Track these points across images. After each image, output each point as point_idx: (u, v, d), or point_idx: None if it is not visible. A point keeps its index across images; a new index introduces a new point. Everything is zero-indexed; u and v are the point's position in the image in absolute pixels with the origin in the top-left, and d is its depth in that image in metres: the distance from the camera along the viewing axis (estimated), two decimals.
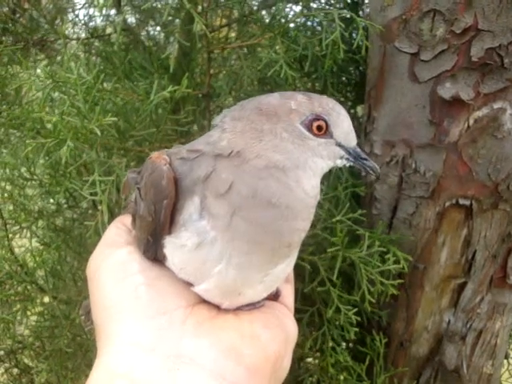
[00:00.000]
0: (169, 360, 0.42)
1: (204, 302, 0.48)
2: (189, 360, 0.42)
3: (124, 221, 0.57)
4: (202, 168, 0.45)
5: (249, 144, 0.45)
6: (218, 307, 0.48)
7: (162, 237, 0.47)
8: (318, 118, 0.46)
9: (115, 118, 0.74)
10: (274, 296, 0.52)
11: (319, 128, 0.46)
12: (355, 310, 0.90)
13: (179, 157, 0.48)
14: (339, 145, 0.48)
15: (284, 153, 0.45)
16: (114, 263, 0.50)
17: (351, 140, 0.49)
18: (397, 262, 0.91)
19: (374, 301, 0.91)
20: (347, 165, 0.49)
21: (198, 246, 0.45)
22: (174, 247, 0.47)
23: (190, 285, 0.47)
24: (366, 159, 0.49)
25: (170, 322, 0.44)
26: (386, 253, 0.92)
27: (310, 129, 0.46)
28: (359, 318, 0.92)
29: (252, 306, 0.49)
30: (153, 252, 0.49)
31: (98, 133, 0.76)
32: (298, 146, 0.45)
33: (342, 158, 0.49)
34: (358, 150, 0.49)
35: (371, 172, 0.50)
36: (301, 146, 0.46)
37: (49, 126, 0.96)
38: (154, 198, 0.46)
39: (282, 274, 0.49)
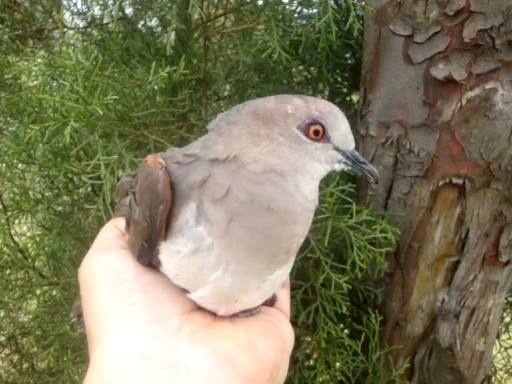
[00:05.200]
0: (163, 369, 0.41)
1: (199, 308, 0.46)
2: (184, 369, 0.41)
3: (117, 224, 0.56)
4: (198, 173, 0.44)
5: (245, 148, 0.44)
6: (213, 314, 0.47)
7: (158, 242, 0.46)
8: (314, 122, 0.45)
9: (117, 97, 0.75)
10: (271, 301, 0.51)
11: (316, 132, 0.45)
12: (346, 277, 0.91)
13: (175, 161, 0.47)
14: (337, 149, 0.47)
15: (281, 157, 0.44)
16: (107, 268, 0.48)
17: (349, 143, 0.48)
18: (386, 238, 0.93)
19: (364, 267, 0.92)
20: (345, 169, 0.48)
21: (194, 253, 0.44)
22: (169, 253, 0.45)
23: (185, 291, 0.46)
24: (364, 163, 0.48)
25: (164, 330, 0.43)
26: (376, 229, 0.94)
27: (306, 133, 0.45)
28: (350, 286, 0.93)
29: (248, 313, 0.48)
30: (147, 258, 0.47)
31: (100, 112, 0.77)
32: (295, 150, 0.44)
33: (339, 162, 0.47)
34: (356, 153, 0.48)
35: (369, 176, 0.49)
36: (298, 150, 0.45)
37: (49, 111, 0.97)
38: (150, 202, 0.45)
39: (278, 280, 0.48)
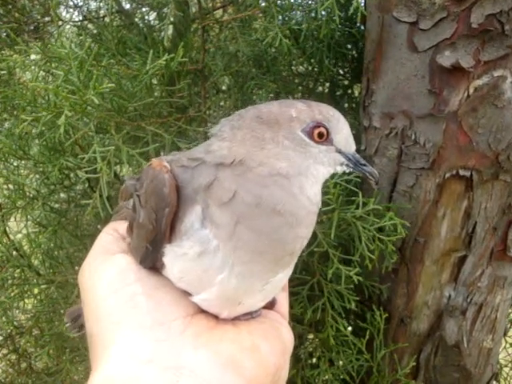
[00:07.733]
0: (168, 372, 0.41)
1: (202, 311, 0.47)
2: (188, 372, 0.41)
3: (116, 227, 0.56)
4: (204, 176, 0.45)
5: (250, 152, 0.45)
6: (216, 317, 0.47)
7: (162, 245, 0.46)
8: (318, 125, 0.46)
9: (113, 85, 0.72)
10: (270, 304, 0.52)
11: (320, 135, 0.46)
12: (356, 270, 0.88)
13: (179, 165, 0.47)
14: (339, 151, 0.48)
15: (287, 160, 0.45)
16: (109, 272, 0.48)
17: (351, 146, 0.49)
18: (395, 229, 0.90)
19: (374, 257, 0.89)
20: (347, 171, 0.50)
21: (200, 255, 0.44)
22: (174, 256, 0.46)
23: (188, 294, 0.47)
24: (365, 165, 0.50)
25: (168, 333, 0.43)
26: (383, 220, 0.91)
27: (311, 136, 0.46)
28: (361, 279, 0.91)
29: (249, 316, 0.49)
30: (151, 260, 0.48)
31: (96, 101, 0.74)
32: (299, 153, 0.46)
33: (342, 164, 0.49)
34: (358, 155, 0.50)
35: (370, 177, 0.50)
36: (302, 153, 0.46)
37: (44, 105, 0.94)
38: (156, 205, 0.46)
39: (280, 282, 0.49)
